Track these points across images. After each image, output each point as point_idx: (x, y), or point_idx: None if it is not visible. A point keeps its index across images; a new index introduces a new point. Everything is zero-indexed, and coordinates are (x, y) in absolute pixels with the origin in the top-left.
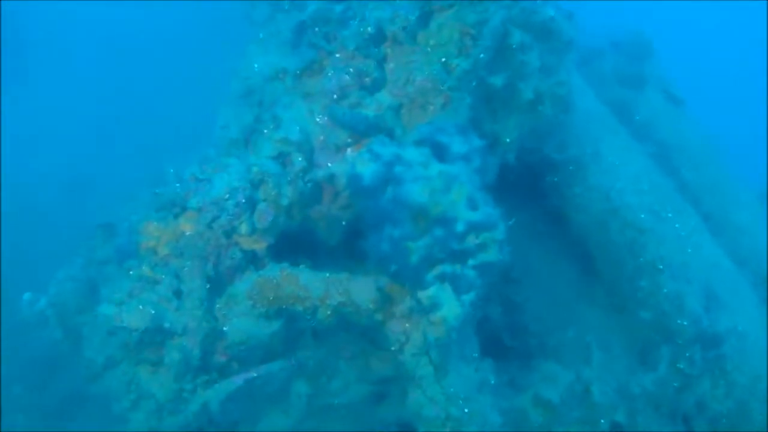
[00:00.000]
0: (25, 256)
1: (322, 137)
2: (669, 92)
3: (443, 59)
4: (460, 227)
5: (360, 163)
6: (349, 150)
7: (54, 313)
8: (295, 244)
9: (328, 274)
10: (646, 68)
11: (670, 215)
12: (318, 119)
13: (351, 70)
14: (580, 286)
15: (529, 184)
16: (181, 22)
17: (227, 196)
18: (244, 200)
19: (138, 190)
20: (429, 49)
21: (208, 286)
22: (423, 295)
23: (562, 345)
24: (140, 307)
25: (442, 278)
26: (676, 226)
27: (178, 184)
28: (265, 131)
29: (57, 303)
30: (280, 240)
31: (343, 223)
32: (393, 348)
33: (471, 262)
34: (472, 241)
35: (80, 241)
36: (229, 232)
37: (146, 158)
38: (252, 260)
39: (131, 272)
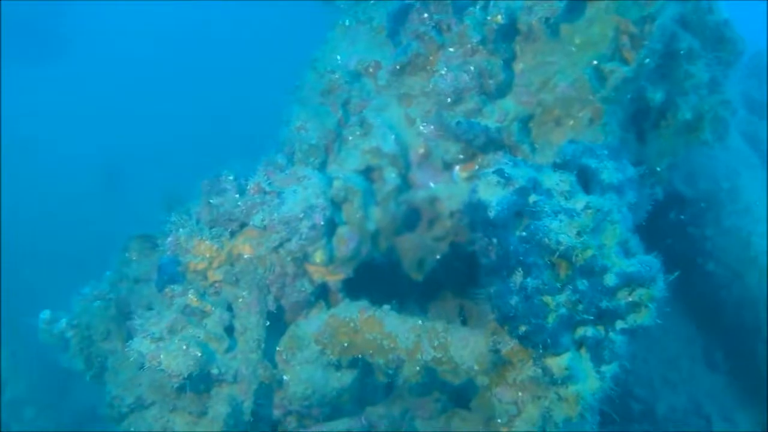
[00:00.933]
0: (45, 263)
1: (422, 150)
2: None
3: (594, 62)
4: (611, 280)
5: (485, 187)
6: (457, 168)
7: (76, 336)
8: (372, 276)
9: (420, 321)
10: None
11: None
12: (421, 127)
13: (471, 68)
14: (698, 345)
15: (645, 219)
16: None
17: (302, 215)
18: (322, 222)
19: (180, 192)
20: (574, 48)
21: (267, 323)
22: (554, 363)
23: (672, 412)
24: (184, 346)
25: (580, 343)
26: None
27: (237, 195)
28: (351, 138)
29: (80, 325)
30: (357, 271)
31: (438, 256)
32: (499, 420)
33: (620, 324)
34: (623, 297)
35: (111, 251)
36: (300, 260)
37: (192, 156)
38: (323, 294)
39: (174, 300)
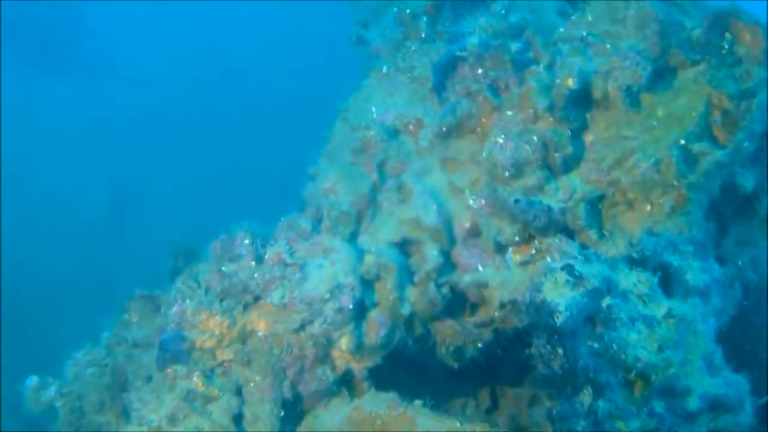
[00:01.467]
0: (45, 297)
1: (468, 224)
2: None
3: (681, 140)
4: (693, 403)
5: (552, 286)
6: (511, 250)
7: (65, 407)
8: (401, 359)
9: (458, 423)
10: None
11: None
12: (471, 200)
13: (534, 138)
14: None
15: None
16: (272, 35)
17: (328, 295)
18: (351, 306)
19: (190, 241)
20: (655, 121)
21: (282, 413)
22: None
23: None
24: None
25: None
26: None
27: (254, 263)
28: (386, 205)
29: (71, 394)
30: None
31: (480, 345)
32: None
33: None
34: (705, 423)
35: (114, 291)
36: (323, 344)
37: (207, 181)
38: (346, 381)
39: (176, 383)
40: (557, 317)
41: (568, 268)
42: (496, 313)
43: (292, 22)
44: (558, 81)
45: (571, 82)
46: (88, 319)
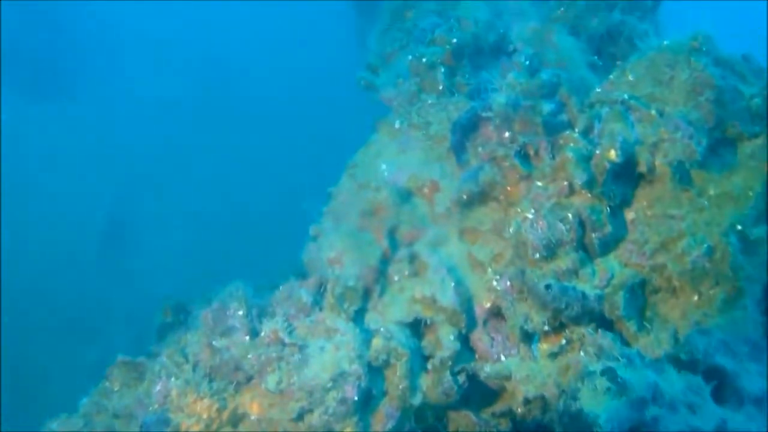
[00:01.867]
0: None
1: (489, 305)
2: None
3: (738, 225)
4: None
5: (591, 394)
6: (538, 339)
7: None
8: None
9: None
10: None
11: None
12: (494, 282)
13: (570, 216)
14: None
15: None
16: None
17: (330, 384)
18: (356, 397)
19: (184, 295)
20: (706, 201)
21: None
22: None
23: None
24: None
25: None
26: None
27: (248, 338)
28: (397, 278)
29: None
30: None
31: None
32: None
33: None
34: None
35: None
36: None
37: (206, 213)
38: None
39: None
40: (596, 431)
41: (610, 374)
42: (519, 409)
43: (293, 48)
44: (598, 152)
45: (613, 155)
46: (81, 349)
